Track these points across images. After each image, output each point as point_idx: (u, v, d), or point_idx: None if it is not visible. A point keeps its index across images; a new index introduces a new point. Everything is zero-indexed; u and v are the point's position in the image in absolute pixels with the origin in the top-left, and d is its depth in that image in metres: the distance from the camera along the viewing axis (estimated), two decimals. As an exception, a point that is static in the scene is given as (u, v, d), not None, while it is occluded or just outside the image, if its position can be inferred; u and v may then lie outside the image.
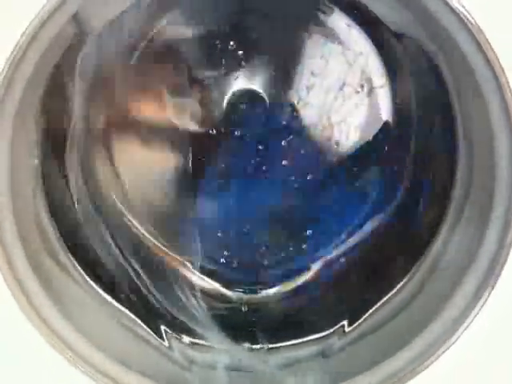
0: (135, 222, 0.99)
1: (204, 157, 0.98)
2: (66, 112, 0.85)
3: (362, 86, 0.96)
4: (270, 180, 0.98)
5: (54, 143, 0.83)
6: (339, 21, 0.95)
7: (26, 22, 0.65)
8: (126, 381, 0.77)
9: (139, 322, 0.84)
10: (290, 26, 0.95)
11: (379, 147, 0.98)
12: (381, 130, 0.97)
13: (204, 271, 1.00)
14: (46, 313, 0.74)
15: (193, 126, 0.97)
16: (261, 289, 0.99)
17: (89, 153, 0.93)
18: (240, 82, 0.96)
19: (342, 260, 0.99)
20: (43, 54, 0.67)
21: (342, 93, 0.96)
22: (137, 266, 0.92)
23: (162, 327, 0.87)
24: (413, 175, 0.96)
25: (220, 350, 0.88)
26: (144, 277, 0.92)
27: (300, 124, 0.97)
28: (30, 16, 0.65)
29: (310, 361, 0.87)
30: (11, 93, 0.68)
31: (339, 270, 0.98)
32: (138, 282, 0.91)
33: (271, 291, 0.99)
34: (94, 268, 0.86)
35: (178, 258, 1.00)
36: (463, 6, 0.65)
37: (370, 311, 0.86)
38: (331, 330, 0.88)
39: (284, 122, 0.97)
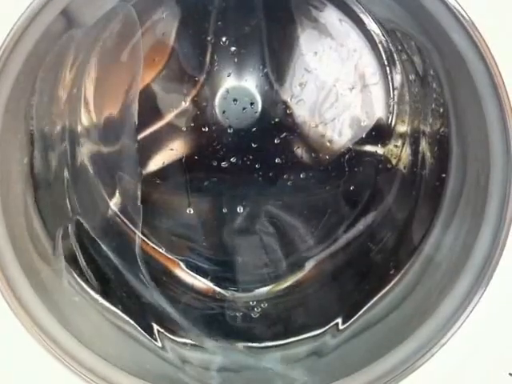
0: (127, 221, 0.98)
1: (197, 154, 0.97)
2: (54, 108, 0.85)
3: (356, 83, 0.96)
4: (263, 178, 0.98)
5: (43, 140, 0.83)
6: (332, 16, 0.94)
7: (15, 17, 0.64)
8: (119, 381, 0.77)
9: (132, 322, 0.84)
10: (283, 22, 0.95)
11: (372, 144, 0.98)
12: (374, 126, 0.97)
13: (198, 270, 0.99)
14: (36, 312, 0.73)
15: (185, 123, 0.97)
16: (255, 287, 0.99)
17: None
18: (232, 79, 0.95)
19: (336, 258, 0.99)
20: (32, 49, 0.66)
21: (335, 89, 0.96)
22: (129, 266, 0.91)
23: (155, 327, 0.86)
24: (406, 172, 0.96)
25: (213, 349, 0.88)
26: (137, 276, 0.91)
27: (293, 121, 0.96)
28: (19, 11, 0.64)
29: (304, 360, 0.86)
30: (0, 89, 0.67)
31: (333, 268, 0.98)
32: (131, 282, 0.90)
33: (265, 290, 0.99)
34: (85, 269, 0.85)
35: (171, 257, 1.00)
36: (457, 2, 0.65)
37: (364, 308, 0.86)
38: (325, 328, 0.87)
39: (277, 120, 0.96)
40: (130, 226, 0.98)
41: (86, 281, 0.84)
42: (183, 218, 1.01)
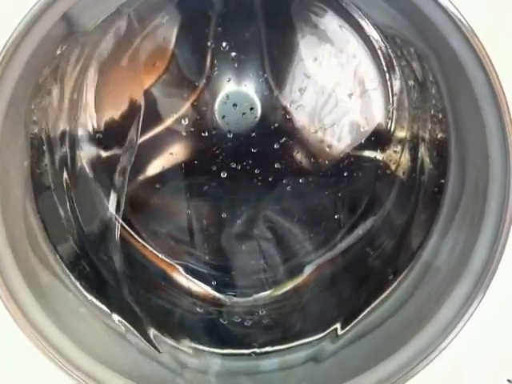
0: (126, 226, 0.98)
1: (196, 159, 0.98)
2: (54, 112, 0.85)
3: (355, 89, 0.96)
4: (262, 183, 0.98)
5: (43, 144, 0.83)
6: (332, 22, 0.95)
7: (16, 22, 0.64)
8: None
9: (129, 326, 0.84)
10: (283, 28, 0.95)
11: (371, 149, 0.98)
12: (373, 132, 0.98)
13: (196, 275, 0.99)
14: (34, 317, 0.73)
15: (184, 128, 0.97)
16: (253, 292, 0.99)
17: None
18: (232, 84, 0.96)
19: (335, 263, 0.98)
20: (33, 54, 0.67)
21: (334, 95, 0.96)
22: (127, 270, 0.91)
23: (152, 331, 0.86)
24: (405, 178, 0.96)
25: (211, 354, 0.87)
26: (135, 281, 0.91)
27: (293, 126, 0.97)
28: (20, 15, 0.64)
29: (302, 365, 0.86)
30: (0, 94, 0.67)
31: (332, 274, 0.98)
32: (129, 286, 0.90)
33: (263, 295, 0.99)
34: (83, 273, 0.85)
35: (170, 261, 1.00)
36: (456, 8, 0.65)
37: (363, 314, 0.86)
38: (324, 334, 0.87)
39: (277, 125, 0.97)
40: (129, 229, 0.99)
41: (85, 285, 0.84)
42: (182, 222, 1.01)
